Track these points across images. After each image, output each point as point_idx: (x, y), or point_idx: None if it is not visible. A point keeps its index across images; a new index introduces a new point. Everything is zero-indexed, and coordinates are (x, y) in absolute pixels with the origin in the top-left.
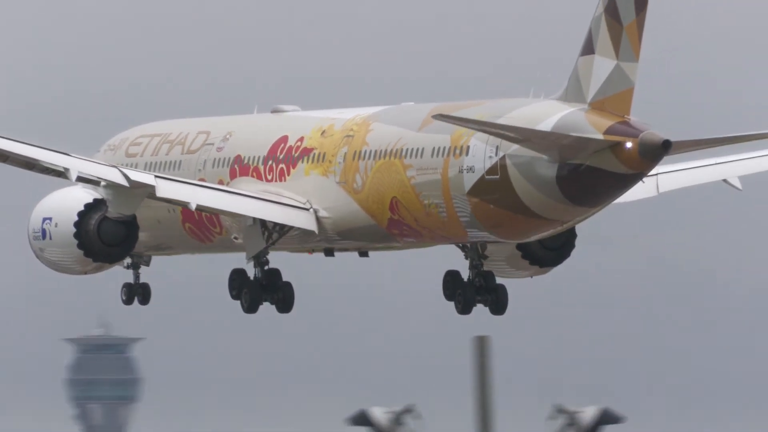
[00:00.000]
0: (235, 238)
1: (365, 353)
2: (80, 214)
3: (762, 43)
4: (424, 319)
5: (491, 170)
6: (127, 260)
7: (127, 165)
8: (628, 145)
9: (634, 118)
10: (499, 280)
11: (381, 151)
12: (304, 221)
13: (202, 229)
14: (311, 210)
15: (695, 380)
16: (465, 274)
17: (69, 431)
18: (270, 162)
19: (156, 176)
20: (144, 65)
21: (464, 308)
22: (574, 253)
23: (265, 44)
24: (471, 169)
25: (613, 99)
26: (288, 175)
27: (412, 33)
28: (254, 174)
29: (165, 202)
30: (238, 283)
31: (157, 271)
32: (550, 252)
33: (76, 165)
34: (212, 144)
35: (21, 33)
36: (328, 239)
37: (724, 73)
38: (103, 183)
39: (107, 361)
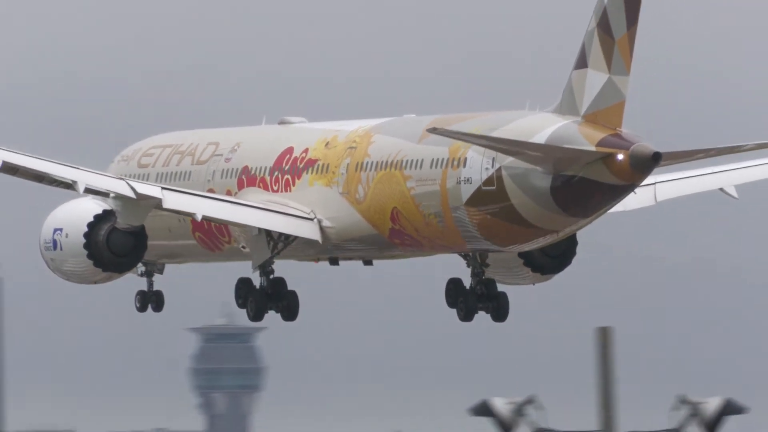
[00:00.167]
0: (243, 247)
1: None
2: (90, 225)
3: (751, 57)
4: (426, 327)
5: (488, 181)
6: (141, 268)
7: (139, 175)
8: (620, 157)
9: (626, 130)
10: (500, 288)
11: (382, 163)
12: (308, 231)
13: (212, 238)
14: (315, 220)
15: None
16: (467, 282)
17: (193, 420)
18: (276, 173)
19: (162, 188)
20: (159, 76)
21: (466, 315)
22: (575, 260)
23: (275, 56)
24: (468, 181)
25: (606, 112)
26: (293, 185)
27: (416, 46)
28: (261, 184)
29: (174, 213)
30: (244, 291)
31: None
32: (552, 259)
33: (83, 178)
34: (221, 155)
35: (33, 46)
36: (332, 248)
37: (716, 85)
38: (111, 195)
39: (231, 350)
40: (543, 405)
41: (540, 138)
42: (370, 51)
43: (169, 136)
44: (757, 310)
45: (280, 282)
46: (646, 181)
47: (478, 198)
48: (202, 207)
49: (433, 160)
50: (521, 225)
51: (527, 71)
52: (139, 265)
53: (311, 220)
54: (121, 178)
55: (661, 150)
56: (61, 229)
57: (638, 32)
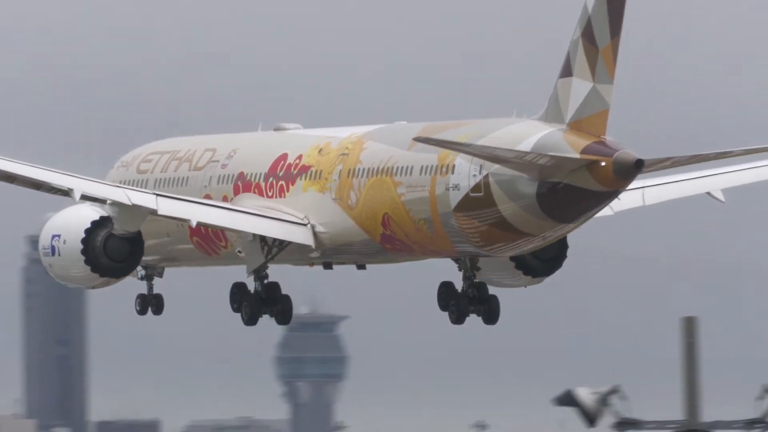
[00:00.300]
0: (239, 252)
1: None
2: (87, 231)
3: (734, 66)
4: (419, 329)
5: (475, 188)
6: (141, 272)
7: (138, 181)
8: (603, 164)
9: (609, 138)
10: (492, 291)
11: (373, 169)
12: (302, 236)
13: (209, 242)
14: (309, 225)
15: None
16: (459, 286)
17: (277, 409)
18: (271, 179)
19: (157, 195)
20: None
21: (458, 318)
22: (565, 263)
23: (273, 61)
24: (456, 187)
25: (590, 119)
26: (287, 191)
27: (410, 52)
28: (256, 190)
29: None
30: (238, 296)
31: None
32: (543, 262)
33: (79, 186)
34: (218, 161)
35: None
36: (326, 253)
37: (701, 94)
38: (108, 201)
39: (314, 339)
40: (627, 395)
41: (526, 145)
42: (365, 58)
43: (168, 143)
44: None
45: (275, 286)
46: (634, 185)
47: (466, 204)
48: (196, 213)
49: (422, 167)
50: (508, 231)
51: (516, 78)
52: (140, 268)
53: (305, 225)
54: (116, 186)
55: (643, 157)
56: (59, 236)
57: (628, 40)
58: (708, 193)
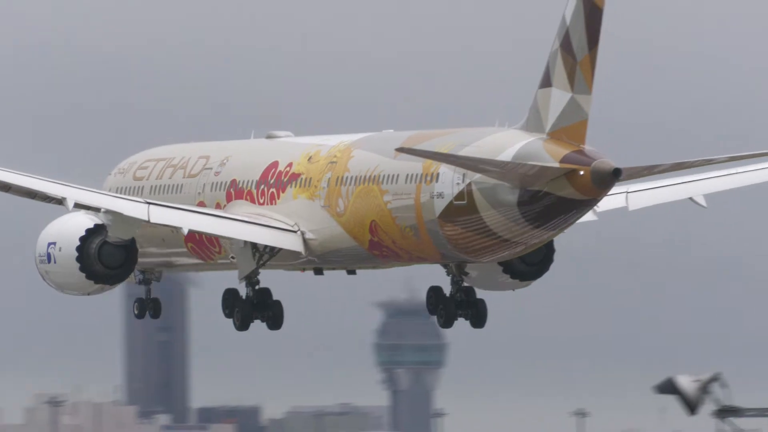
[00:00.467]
0: (232, 257)
1: None
2: (82, 239)
3: (716, 74)
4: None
5: (459, 196)
6: (139, 276)
7: (134, 188)
8: (582, 172)
9: (589, 147)
10: (480, 294)
11: (360, 177)
12: (292, 243)
13: (203, 248)
14: (299, 232)
15: None
16: (447, 290)
17: (377, 396)
18: (262, 186)
19: (148, 203)
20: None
21: (446, 322)
22: (552, 267)
23: (266, 72)
24: (441, 195)
25: (569, 129)
26: (278, 198)
27: (397, 64)
28: (248, 197)
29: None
30: (230, 302)
31: None
32: (530, 267)
33: (72, 194)
34: (211, 168)
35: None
36: (316, 259)
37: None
38: (102, 209)
39: (413, 326)
40: (727, 382)
41: (507, 155)
42: (356, 66)
43: (163, 150)
44: None
45: (266, 292)
46: (618, 189)
47: (450, 212)
48: (187, 221)
49: (407, 175)
50: (491, 237)
51: (500, 86)
52: (137, 272)
53: (295, 232)
54: (108, 194)
55: (621, 166)
56: (54, 243)
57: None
58: (690, 199)
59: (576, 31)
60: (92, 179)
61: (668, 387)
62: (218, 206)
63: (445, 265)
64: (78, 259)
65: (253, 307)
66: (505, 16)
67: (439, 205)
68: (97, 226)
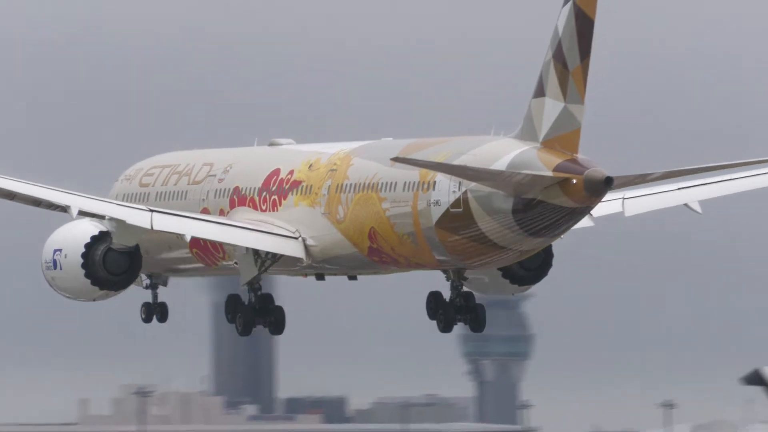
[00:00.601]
0: (236, 263)
1: None
2: (87, 246)
3: (712, 76)
4: (408, 337)
5: (455, 204)
6: (146, 281)
7: (140, 194)
8: (574, 181)
9: (581, 156)
10: (479, 299)
11: (360, 185)
12: (293, 249)
13: (208, 254)
14: (300, 239)
15: None
16: (447, 295)
17: (463, 387)
18: (264, 193)
19: (151, 210)
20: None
21: (445, 327)
22: (551, 271)
23: (269, 81)
24: (437, 203)
25: (563, 138)
26: (280, 205)
27: (397, 74)
28: (250, 204)
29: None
30: (232, 307)
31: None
32: (529, 272)
33: (76, 202)
34: (215, 175)
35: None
36: (317, 265)
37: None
38: (107, 217)
39: (499, 317)
40: None
41: (502, 163)
42: (357, 75)
43: (169, 157)
44: None
45: (268, 298)
46: (615, 196)
47: (447, 219)
48: (190, 228)
49: (405, 183)
50: (486, 244)
51: (496, 95)
52: (144, 277)
53: (296, 239)
54: (111, 202)
55: (614, 174)
56: (60, 250)
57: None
58: (686, 205)
59: (568, 41)
60: (101, 185)
61: (756, 378)
62: (222, 213)
63: (444, 271)
64: (83, 265)
65: (255, 313)
66: (502, 27)
67: (436, 213)
68: (101, 233)
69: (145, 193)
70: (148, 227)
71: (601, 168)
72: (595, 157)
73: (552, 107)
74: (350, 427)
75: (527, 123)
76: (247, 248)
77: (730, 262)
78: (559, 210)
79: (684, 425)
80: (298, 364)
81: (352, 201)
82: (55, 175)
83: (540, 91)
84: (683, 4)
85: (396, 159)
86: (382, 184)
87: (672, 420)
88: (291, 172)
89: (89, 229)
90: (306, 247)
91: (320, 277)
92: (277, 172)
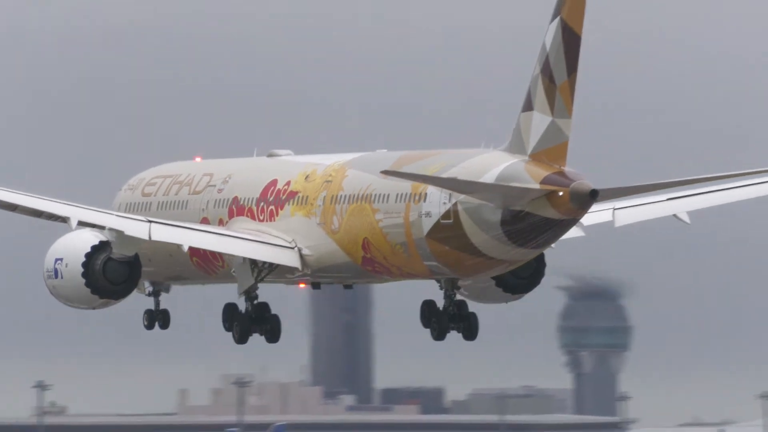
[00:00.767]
0: (234, 272)
1: None
2: (87, 255)
3: (693, 95)
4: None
5: (445, 215)
6: (149, 288)
7: (143, 204)
8: (561, 193)
9: (569, 168)
10: (472, 308)
11: (354, 196)
12: (289, 259)
13: (207, 263)
14: (296, 249)
15: None
16: (440, 304)
17: (561, 379)
18: (262, 203)
19: (150, 221)
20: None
21: (439, 335)
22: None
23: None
24: (428, 214)
25: (550, 151)
26: (277, 216)
27: (392, 88)
28: (249, 214)
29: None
30: (229, 316)
31: None
32: (522, 280)
33: (75, 214)
34: (214, 185)
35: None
36: (312, 275)
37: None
38: (107, 227)
39: (598, 308)
40: None
41: (491, 176)
42: (355, 88)
43: (171, 167)
44: None
45: (264, 306)
46: (605, 206)
47: (438, 230)
48: (187, 238)
49: (397, 194)
50: (476, 255)
51: (487, 108)
52: (147, 284)
53: (292, 249)
54: (110, 213)
55: (599, 186)
56: (61, 259)
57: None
58: (675, 215)
59: (556, 57)
60: (104, 195)
61: None
62: (221, 222)
63: (437, 280)
64: (83, 275)
65: (252, 321)
66: (494, 42)
67: (427, 224)
68: (102, 242)
69: (147, 203)
70: (146, 238)
71: (587, 181)
72: (583, 169)
73: (540, 121)
74: (447, 418)
75: (516, 136)
76: (245, 258)
77: None
78: (547, 221)
79: None
80: (395, 355)
81: (346, 212)
82: (59, 183)
83: (528, 105)
84: (683, 4)
85: (385, 172)
86: (376, 195)
87: None
88: (288, 183)
89: (90, 238)
90: (302, 257)
91: (316, 285)
92: (274, 182)
